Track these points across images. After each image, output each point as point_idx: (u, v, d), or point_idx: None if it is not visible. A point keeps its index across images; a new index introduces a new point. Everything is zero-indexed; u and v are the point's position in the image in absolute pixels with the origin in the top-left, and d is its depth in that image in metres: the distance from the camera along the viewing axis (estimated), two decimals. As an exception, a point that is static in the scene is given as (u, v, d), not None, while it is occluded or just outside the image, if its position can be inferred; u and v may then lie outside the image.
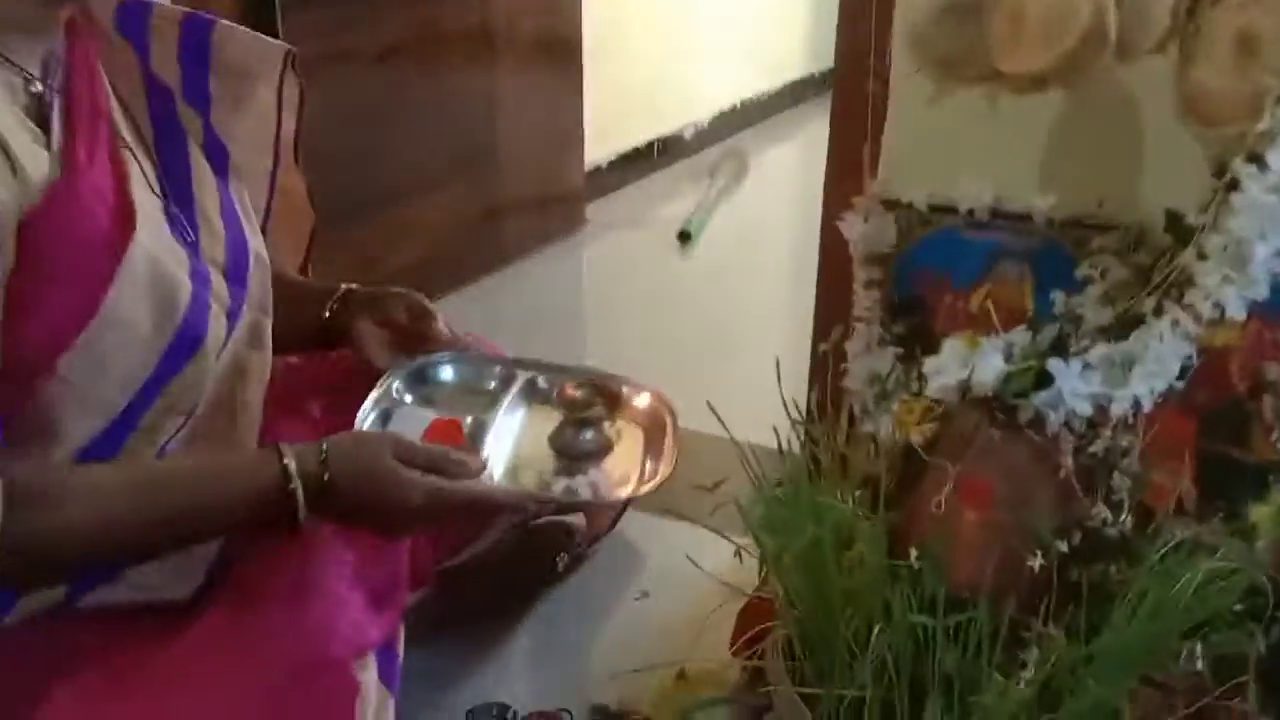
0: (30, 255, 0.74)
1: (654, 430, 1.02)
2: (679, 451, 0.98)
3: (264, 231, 1.05)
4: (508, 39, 2.17)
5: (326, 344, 1.09)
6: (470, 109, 2.13)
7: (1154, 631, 0.77)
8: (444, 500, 0.85)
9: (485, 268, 2.21)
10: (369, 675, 0.88)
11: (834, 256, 1.16)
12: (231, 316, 0.91)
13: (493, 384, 1.06)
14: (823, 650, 0.84)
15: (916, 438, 0.85)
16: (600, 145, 2.72)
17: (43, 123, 0.79)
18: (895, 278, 1.06)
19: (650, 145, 3.05)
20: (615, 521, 1.32)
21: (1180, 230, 0.78)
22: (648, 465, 0.99)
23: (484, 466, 0.91)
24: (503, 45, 2.16)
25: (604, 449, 1.00)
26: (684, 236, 2.48)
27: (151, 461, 0.83)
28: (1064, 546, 0.79)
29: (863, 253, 1.23)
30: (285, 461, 0.81)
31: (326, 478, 0.82)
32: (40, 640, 0.80)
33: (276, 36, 1.58)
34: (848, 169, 1.29)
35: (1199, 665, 0.93)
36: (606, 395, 1.03)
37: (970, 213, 1.20)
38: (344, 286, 1.10)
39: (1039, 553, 0.78)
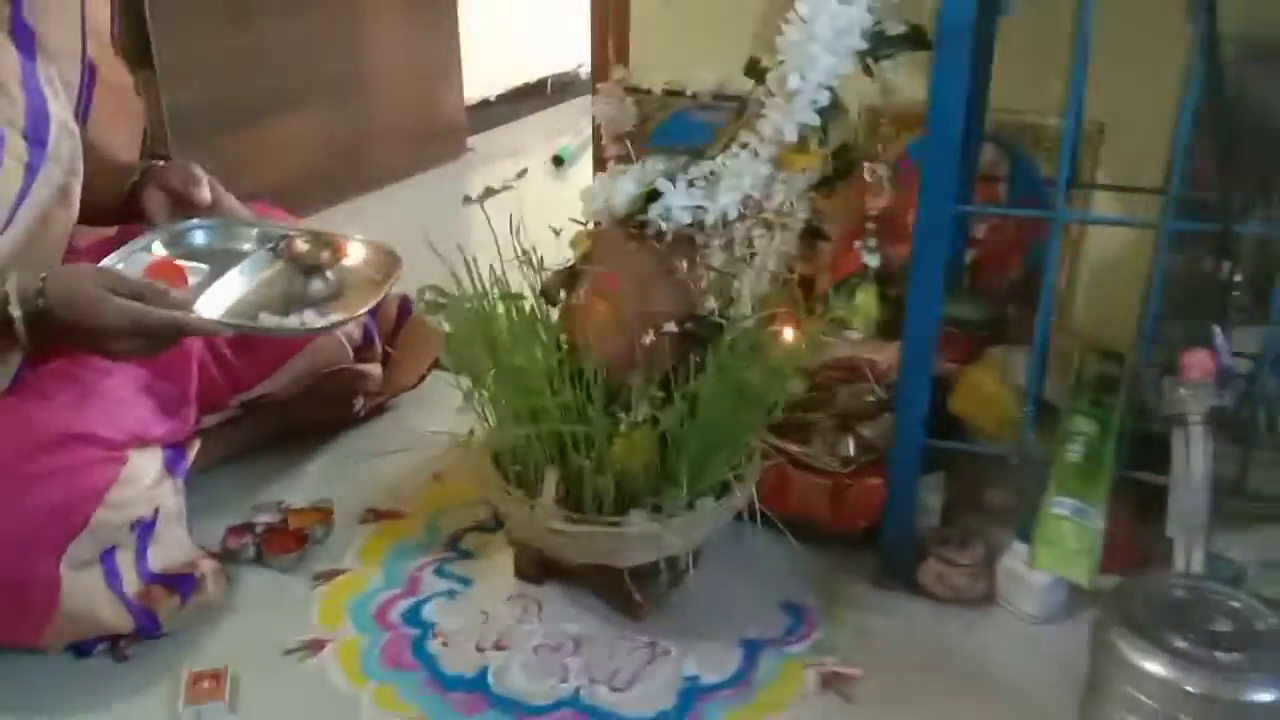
0: None
1: (382, 278, 1.21)
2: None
3: (87, 109, 1.24)
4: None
5: (132, 216, 1.27)
6: (336, 39, 2.31)
7: (729, 396, 0.98)
8: (143, 323, 1.00)
9: (358, 188, 2.40)
10: (148, 461, 1.08)
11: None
12: (30, 170, 1.10)
13: (245, 246, 1.22)
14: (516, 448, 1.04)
15: (577, 251, 1.06)
16: (488, 81, 2.91)
17: None
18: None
19: (543, 81, 3.23)
20: (420, 380, 1.52)
21: (757, 73, 0.99)
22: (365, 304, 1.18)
23: (187, 298, 1.08)
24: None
25: (331, 294, 1.17)
26: (557, 161, 2.67)
27: None
28: (674, 328, 1.00)
29: (610, 131, 1.44)
30: (5, 288, 0.98)
31: (42, 303, 0.98)
32: None
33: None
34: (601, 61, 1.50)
35: (850, 451, 1.16)
36: (333, 247, 1.20)
37: (695, 96, 1.41)
38: (148, 163, 1.28)
39: (655, 333, 0.99)
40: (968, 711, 0.98)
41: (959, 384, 1.16)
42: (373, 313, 1.43)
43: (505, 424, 1.02)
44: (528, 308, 1.01)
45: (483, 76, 2.87)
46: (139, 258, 1.15)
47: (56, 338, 1.02)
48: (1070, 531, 0.94)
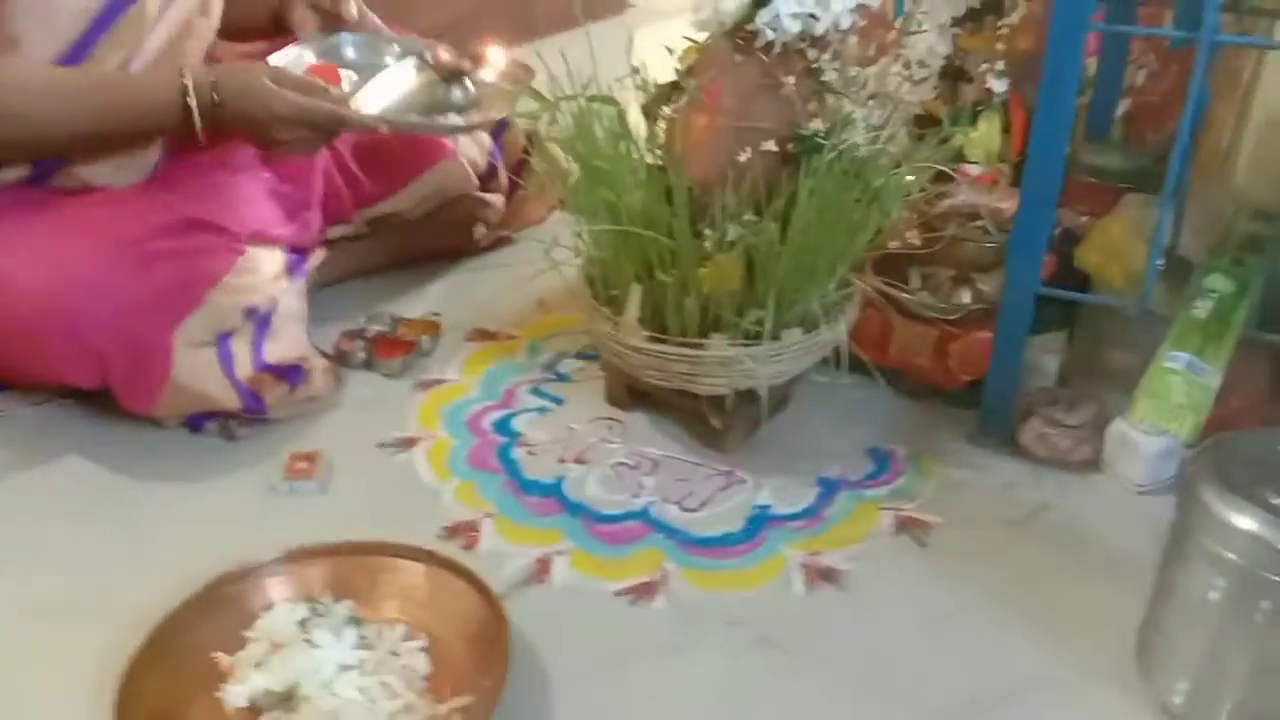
0: None
1: (518, 90, 1.22)
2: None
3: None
4: None
5: (281, 36, 1.31)
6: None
7: (823, 221, 0.94)
8: (306, 113, 1.06)
9: (519, 37, 2.39)
10: (269, 257, 1.14)
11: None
12: None
13: (389, 60, 1.26)
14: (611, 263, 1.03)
15: (680, 65, 1.03)
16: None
17: None
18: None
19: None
20: (549, 214, 1.53)
21: None
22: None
23: (344, 94, 1.13)
24: None
25: (469, 103, 1.21)
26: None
27: (77, 67, 1.06)
28: (774, 147, 0.96)
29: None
30: (184, 79, 1.04)
31: (215, 95, 1.04)
32: (15, 195, 1.08)
33: None
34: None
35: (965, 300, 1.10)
36: (474, 56, 1.23)
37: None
38: None
39: (752, 150, 0.96)
40: (1047, 568, 0.94)
41: (1088, 234, 1.07)
42: (498, 144, 1.45)
43: (596, 239, 1.02)
44: (620, 111, 0.99)
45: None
46: (296, 64, 1.20)
47: (226, 127, 1.07)
48: (1179, 385, 0.87)
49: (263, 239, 1.14)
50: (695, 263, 0.97)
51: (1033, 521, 0.99)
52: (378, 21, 1.31)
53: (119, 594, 0.90)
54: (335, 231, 1.32)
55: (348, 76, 1.21)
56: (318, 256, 1.25)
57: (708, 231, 0.95)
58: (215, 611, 0.83)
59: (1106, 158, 1.15)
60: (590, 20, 2.52)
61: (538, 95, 0.98)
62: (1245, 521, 0.72)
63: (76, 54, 1.07)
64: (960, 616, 0.89)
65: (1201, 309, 0.94)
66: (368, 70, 1.23)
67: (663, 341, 1.00)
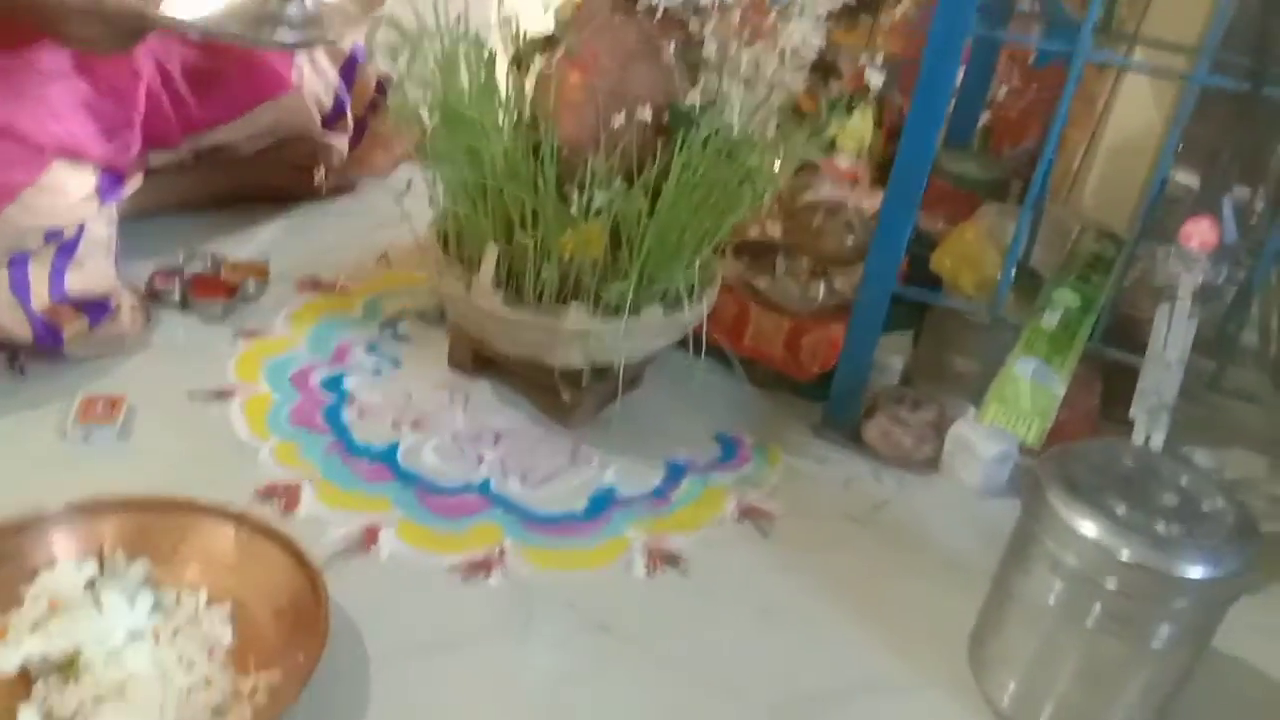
0: None
1: (362, 12, 1.13)
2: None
3: None
4: None
5: None
6: None
7: (693, 198, 0.91)
8: (103, 5, 0.94)
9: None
10: (77, 176, 1.01)
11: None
12: None
13: None
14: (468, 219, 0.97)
15: (559, 18, 0.97)
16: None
17: None
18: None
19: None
20: (394, 166, 1.44)
21: None
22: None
23: None
24: None
25: (307, 20, 1.08)
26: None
27: None
28: (648, 115, 0.92)
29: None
30: None
31: None
32: None
33: None
34: None
35: (819, 294, 1.09)
36: None
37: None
38: None
39: (626, 116, 0.91)
40: (884, 562, 0.93)
41: (944, 240, 1.09)
42: (348, 83, 1.36)
43: (454, 192, 0.95)
44: (490, 56, 0.92)
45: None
46: None
47: (7, 13, 0.94)
48: (1027, 391, 0.88)
49: (72, 155, 1.01)
50: (558, 227, 0.92)
51: (872, 517, 0.99)
52: None
53: None
54: (157, 158, 1.20)
55: None
56: (135, 182, 1.13)
57: (575, 195, 0.90)
58: (-14, 565, 0.72)
59: (964, 166, 1.17)
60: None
61: (399, 27, 0.90)
62: (1088, 527, 0.73)
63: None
64: (797, 609, 0.88)
65: (1050, 320, 0.96)
66: None
67: (519, 308, 0.94)
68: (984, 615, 0.83)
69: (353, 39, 1.15)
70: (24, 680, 0.68)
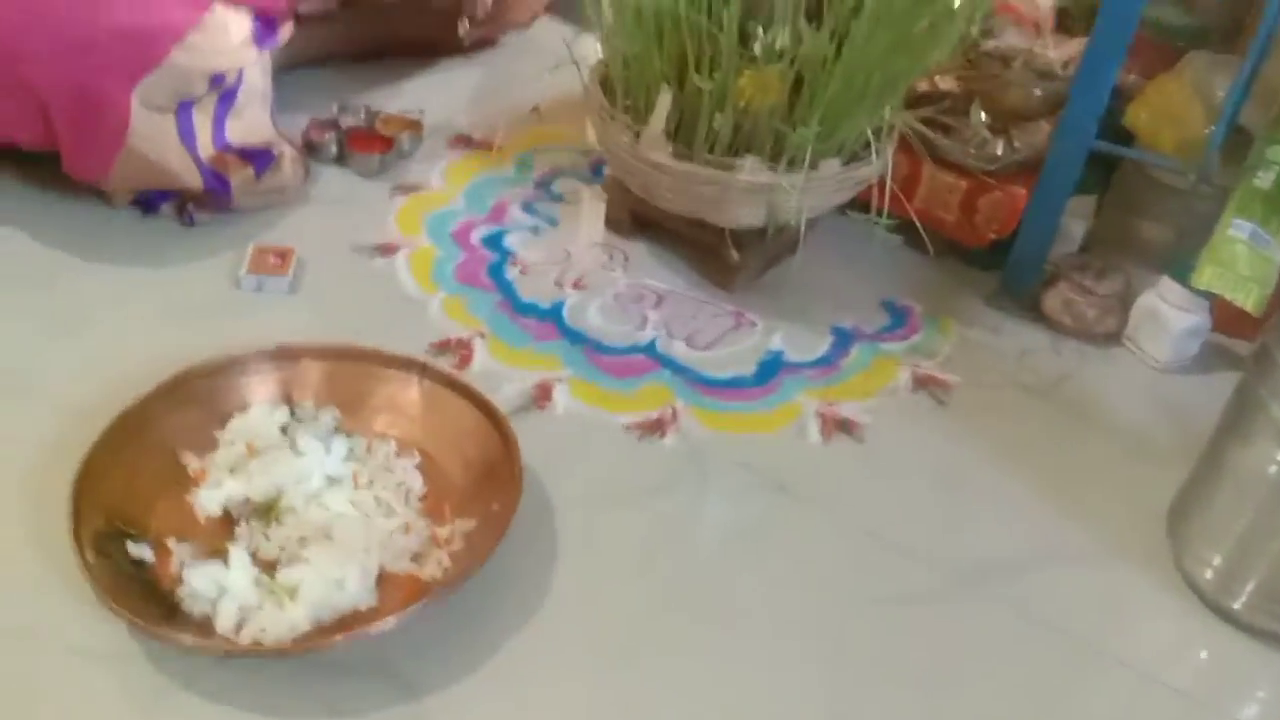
0: None
1: None
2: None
3: None
4: None
5: None
6: None
7: (883, 40, 0.85)
8: None
9: None
10: (235, 19, 0.99)
11: None
12: None
13: None
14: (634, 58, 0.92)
15: None
16: None
17: None
18: None
19: None
20: (533, 18, 1.39)
21: None
22: None
23: None
24: None
25: None
26: None
27: None
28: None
29: None
30: None
31: None
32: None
33: None
34: None
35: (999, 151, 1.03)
36: None
37: None
38: None
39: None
40: (1067, 438, 0.90)
41: (1142, 92, 1.00)
42: (489, -69, 1.30)
43: (625, 28, 0.90)
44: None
45: None
46: None
47: None
48: (1244, 255, 0.82)
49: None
50: (737, 70, 0.87)
51: (1052, 390, 0.94)
52: None
53: (56, 377, 0.80)
54: (305, 5, 1.17)
55: None
56: (287, 29, 1.10)
57: (759, 33, 0.85)
58: (183, 407, 0.73)
59: (1160, 10, 1.07)
60: None
61: None
62: (1322, 398, 0.68)
63: None
64: (977, 479, 0.85)
65: (1264, 180, 0.88)
66: None
67: (691, 159, 0.90)
68: (1188, 488, 0.79)
69: None
70: (227, 522, 0.70)
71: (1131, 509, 0.82)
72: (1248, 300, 0.80)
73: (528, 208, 1.08)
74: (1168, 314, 0.96)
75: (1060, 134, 0.94)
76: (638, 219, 1.05)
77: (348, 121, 1.12)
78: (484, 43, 1.35)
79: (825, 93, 0.87)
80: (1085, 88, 0.91)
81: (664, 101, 0.89)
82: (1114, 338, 1.00)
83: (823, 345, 0.96)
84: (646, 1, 0.86)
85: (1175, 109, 0.97)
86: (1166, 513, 0.80)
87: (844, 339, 0.97)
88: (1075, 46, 1.02)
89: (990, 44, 1.05)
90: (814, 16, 0.86)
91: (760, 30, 0.84)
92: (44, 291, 0.89)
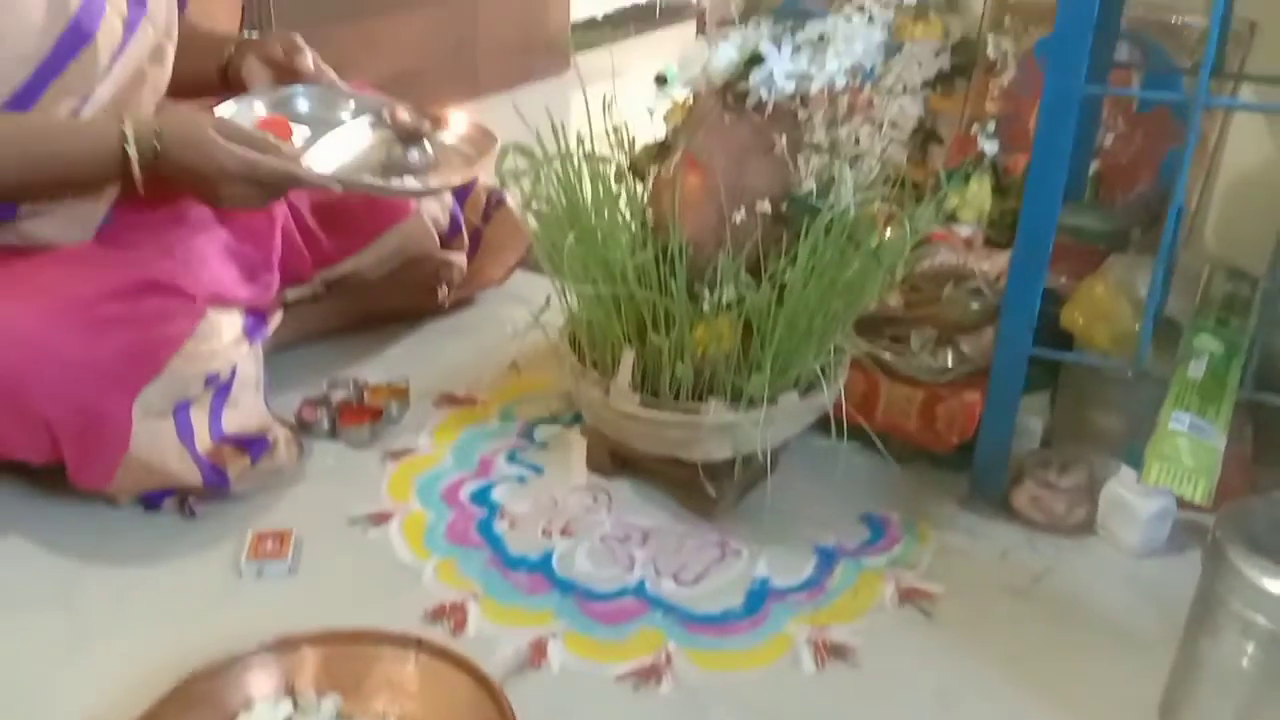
0: None
1: (477, 154, 1.20)
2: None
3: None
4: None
5: (229, 90, 1.26)
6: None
7: (820, 282, 0.92)
8: (256, 169, 1.02)
9: (458, 95, 2.37)
10: (228, 321, 1.07)
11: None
12: (129, 28, 1.09)
13: (345, 115, 1.22)
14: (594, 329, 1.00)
15: (669, 124, 1.00)
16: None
17: None
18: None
19: (652, 3, 3.16)
20: (507, 275, 1.49)
21: (875, -66, 0.91)
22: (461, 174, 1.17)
23: (296, 150, 1.09)
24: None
25: (427, 165, 1.17)
26: (660, 80, 2.60)
27: (20, 114, 1.00)
28: (767, 207, 0.94)
29: (715, 18, 1.37)
30: (124, 127, 0.99)
31: (158, 144, 0.99)
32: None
33: None
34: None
35: (948, 362, 1.09)
36: (433, 118, 1.20)
37: (806, -17, 1.33)
38: (246, 35, 1.27)
39: (746, 211, 0.93)
40: (1058, 639, 0.91)
41: (1073, 296, 1.07)
42: (461, 202, 1.41)
43: (585, 300, 0.98)
44: (613, 172, 0.96)
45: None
46: (245, 115, 1.15)
47: (168, 179, 1.02)
48: (1187, 447, 0.86)
49: (221, 301, 1.07)
50: (690, 325, 0.94)
51: (1034, 589, 0.97)
52: (333, 75, 1.27)
53: (68, 693, 0.82)
54: (293, 293, 1.26)
55: (300, 131, 1.16)
56: (276, 319, 1.19)
57: (705, 293, 0.92)
58: (190, 710, 0.75)
59: (1081, 218, 1.16)
60: (534, 79, 2.52)
61: (525, 151, 0.95)
62: (1276, 585, 0.71)
63: (23, 100, 1.01)
64: (974, 691, 0.86)
65: (1196, 370, 0.94)
66: (321, 126, 1.19)
67: (658, 407, 0.96)
68: (1172, 685, 0.80)
69: (461, 182, 1.20)
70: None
71: (1125, 707, 0.83)
72: (1196, 492, 0.84)
73: (513, 457, 1.14)
74: (1133, 501, 0.99)
75: (1000, 343, 1.00)
76: (618, 459, 1.10)
77: (338, 396, 1.19)
78: (462, 302, 1.45)
79: (774, 336, 0.93)
80: (1015, 299, 0.98)
81: (627, 360, 0.96)
82: (1087, 527, 1.03)
83: (807, 567, 0.99)
84: (601, 286, 0.94)
85: (1105, 309, 1.04)
86: (1158, 709, 0.81)
87: (828, 558, 1.00)
88: (1005, 259, 1.10)
89: (926, 264, 1.13)
90: (754, 270, 0.94)
91: (707, 291, 0.92)
92: (52, 605, 0.92)
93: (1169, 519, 1.00)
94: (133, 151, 0.98)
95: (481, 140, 1.23)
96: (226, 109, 1.15)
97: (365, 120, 1.20)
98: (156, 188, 1.02)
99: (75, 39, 1.03)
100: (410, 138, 1.15)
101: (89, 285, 0.96)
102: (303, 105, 1.22)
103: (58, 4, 1.01)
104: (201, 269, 1.08)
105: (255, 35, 1.28)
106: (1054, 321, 1.07)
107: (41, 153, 0.98)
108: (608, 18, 2.99)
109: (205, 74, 1.25)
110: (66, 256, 1.01)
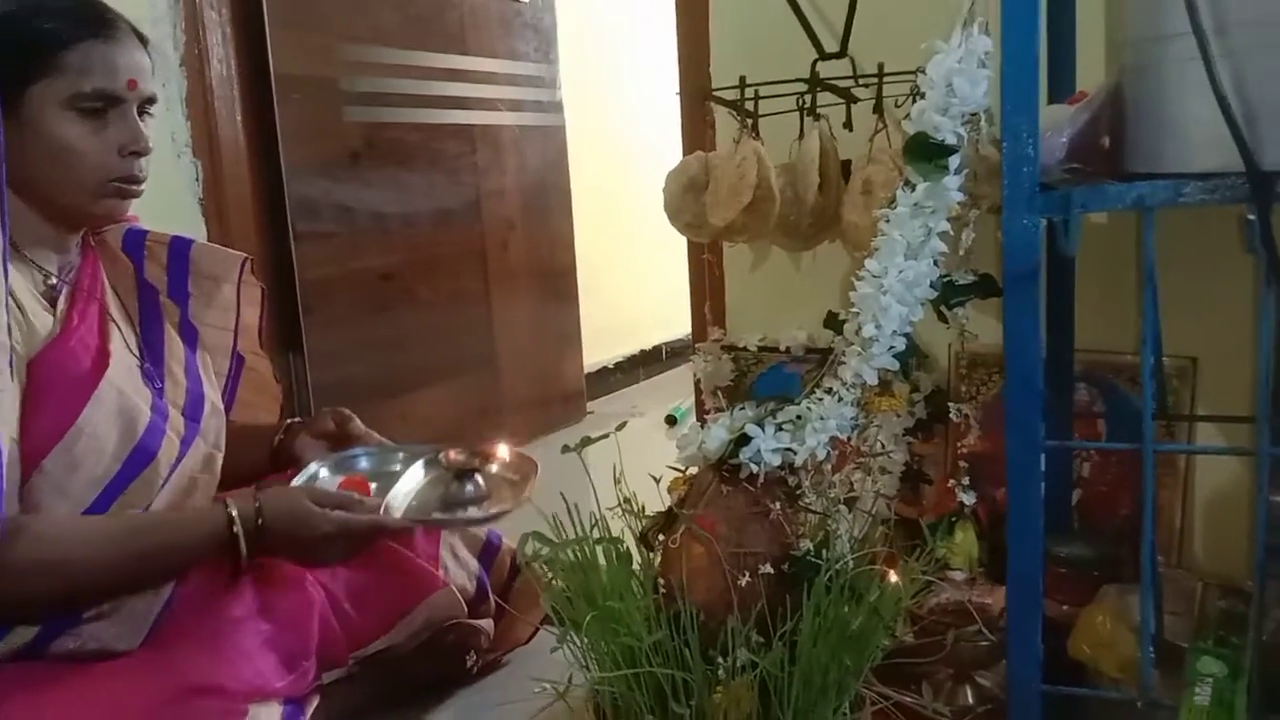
0: (33, 384, 1.08)
1: (522, 480, 1.33)
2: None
3: (233, 393, 1.40)
4: (502, 264, 2.58)
5: (280, 470, 1.39)
6: (470, 325, 2.52)
7: (829, 638, 0.97)
8: (349, 528, 1.15)
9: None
10: (268, 714, 1.12)
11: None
12: (185, 443, 1.23)
13: (398, 466, 1.37)
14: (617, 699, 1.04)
15: (672, 497, 1.10)
16: (607, 349, 3.11)
17: (53, 302, 1.15)
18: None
19: (658, 348, 3.40)
20: (532, 635, 1.53)
21: (835, 324, 1.05)
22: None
23: (380, 503, 1.21)
24: (499, 269, 2.57)
25: (481, 496, 1.31)
26: (670, 420, 2.76)
27: (125, 512, 1.13)
28: (769, 569, 1.01)
29: (709, 386, 1.51)
30: (230, 510, 1.11)
31: (260, 520, 1.12)
32: (17, 673, 1.07)
33: (290, 264, 2.01)
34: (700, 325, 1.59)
35: (968, 700, 1.12)
36: (482, 454, 1.34)
37: (788, 350, 1.49)
38: (290, 420, 1.42)
39: (750, 575, 1.01)
40: None
41: (1076, 627, 1.12)
42: (486, 568, 1.49)
43: (605, 671, 1.03)
44: (624, 550, 1.04)
45: (602, 346, 3.07)
46: (326, 480, 1.31)
47: (271, 551, 1.14)
48: (1205, 780, 0.87)
49: (261, 695, 1.13)
50: (708, 690, 0.98)
51: None
52: (378, 435, 1.42)
53: None
54: (329, 676, 1.31)
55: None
56: (312, 705, 1.23)
57: (719, 659, 0.97)
58: None
59: (1070, 548, 1.22)
60: (555, 429, 2.67)
61: (543, 538, 1.04)
62: None
63: (89, 518, 1.12)
64: None
65: (1202, 696, 0.97)
66: (383, 478, 1.34)
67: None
68: None
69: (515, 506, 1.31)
70: None
71: None
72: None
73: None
74: (1170, 836, 0.98)
75: (1011, 684, 1.03)
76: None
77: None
78: (490, 666, 1.49)
79: (790, 694, 0.97)
80: (1018, 641, 1.02)
81: (650, 729, 0.99)
82: None
83: None
84: (617, 651, 0.99)
85: (1107, 637, 1.08)
86: None
87: None
88: (1004, 594, 1.15)
89: (934, 601, 1.19)
90: (765, 631, 1.00)
91: (720, 657, 0.97)
92: None
93: None
94: (240, 531, 1.11)
95: (523, 466, 1.37)
96: (302, 479, 1.28)
97: (418, 465, 1.36)
98: (260, 556, 1.15)
99: (141, 458, 1.16)
100: (463, 474, 1.31)
101: (140, 696, 1.03)
102: (364, 463, 1.38)
103: (128, 430, 1.15)
104: (244, 664, 1.13)
105: (299, 420, 1.43)
106: (1062, 652, 1.11)
107: (152, 547, 1.10)
108: (618, 365, 3.22)
109: (257, 461, 1.40)
110: (118, 669, 1.07)
